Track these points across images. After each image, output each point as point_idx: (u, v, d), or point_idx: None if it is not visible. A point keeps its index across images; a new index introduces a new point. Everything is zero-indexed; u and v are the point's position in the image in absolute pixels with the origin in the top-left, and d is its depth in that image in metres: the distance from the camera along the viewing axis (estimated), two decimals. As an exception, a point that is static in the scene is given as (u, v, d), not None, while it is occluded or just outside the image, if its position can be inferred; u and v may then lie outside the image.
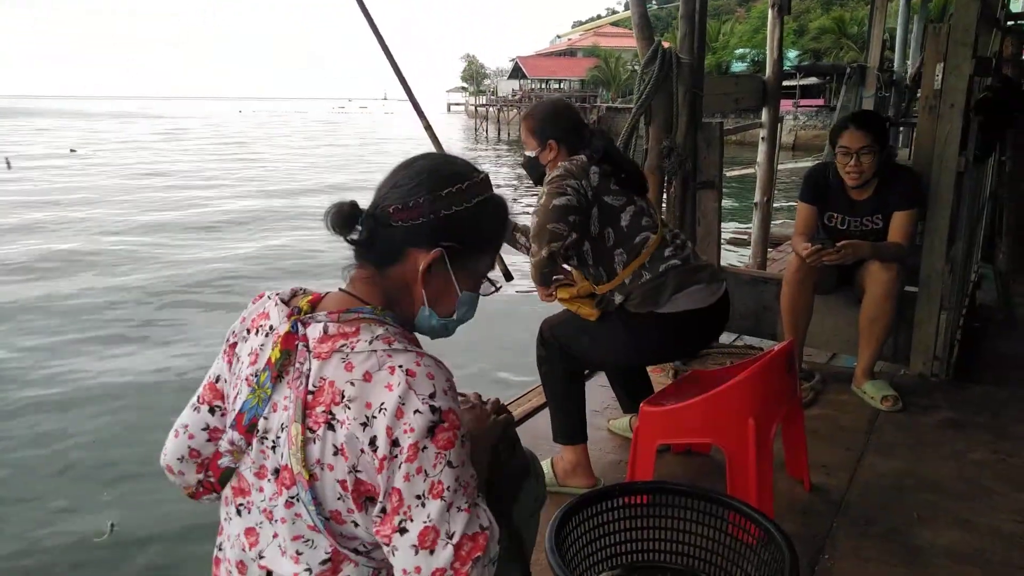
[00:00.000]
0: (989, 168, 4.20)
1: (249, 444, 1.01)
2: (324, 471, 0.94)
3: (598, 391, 2.89)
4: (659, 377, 3.20)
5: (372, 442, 0.92)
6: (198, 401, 1.11)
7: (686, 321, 2.13)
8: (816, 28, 39.15)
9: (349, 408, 0.92)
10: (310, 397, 0.95)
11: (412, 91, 2.60)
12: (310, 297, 1.08)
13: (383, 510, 0.92)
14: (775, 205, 5.47)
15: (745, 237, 7.23)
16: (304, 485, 0.93)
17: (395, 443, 0.91)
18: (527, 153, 2.30)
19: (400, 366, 0.94)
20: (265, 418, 0.99)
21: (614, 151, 2.24)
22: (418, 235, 1.04)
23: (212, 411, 1.10)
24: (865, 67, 6.57)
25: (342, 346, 0.97)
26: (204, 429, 1.09)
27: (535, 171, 2.30)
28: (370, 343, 0.96)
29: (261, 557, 1.02)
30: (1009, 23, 5.84)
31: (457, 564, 0.90)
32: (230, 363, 1.09)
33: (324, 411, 0.94)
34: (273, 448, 0.99)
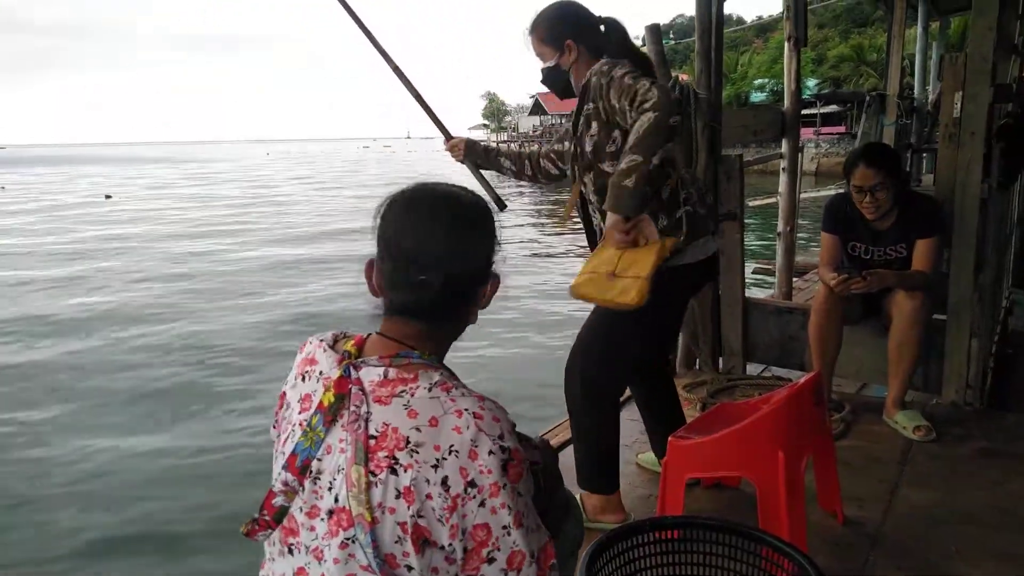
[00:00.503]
0: (1015, 193, 4.17)
1: (301, 485, 1.03)
2: (385, 514, 0.96)
3: (626, 424, 2.88)
4: (688, 410, 3.19)
5: (444, 482, 0.96)
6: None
7: (690, 274, 2.07)
8: (835, 56, 39.29)
9: (417, 452, 0.96)
10: (372, 441, 0.98)
11: (439, 119, 2.37)
12: (353, 341, 1.10)
13: (465, 549, 0.98)
14: (799, 234, 5.46)
15: (769, 267, 7.20)
16: (365, 527, 0.96)
17: (471, 484, 0.97)
18: (545, 65, 2.13)
19: (466, 410, 1.00)
20: (319, 459, 1.02)
21: (638, 52, 2.09)
22: (481, 278, 1.12)
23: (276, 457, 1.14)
24: (885, 95, 6.58)
25: (402, 392, 1.00)
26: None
27: (559, 82, 2.13)
28: (430, 390, 1.01)
29: None
30: (1029, 48, 5.82)
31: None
32: (276, 413, 1.14)
33: (387, 456, 0.97)
34: (329, 489, 1.01)
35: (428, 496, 0.96)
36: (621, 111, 1.90)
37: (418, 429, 0.97)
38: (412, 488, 0.95)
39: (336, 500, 0.99)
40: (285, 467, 1.03)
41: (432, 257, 1.05)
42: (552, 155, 2.40)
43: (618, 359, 2.16)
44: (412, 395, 1.00)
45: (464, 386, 1.05)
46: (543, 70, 2.14)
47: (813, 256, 6.96)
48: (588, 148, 2.07)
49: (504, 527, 0.99)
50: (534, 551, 1.01)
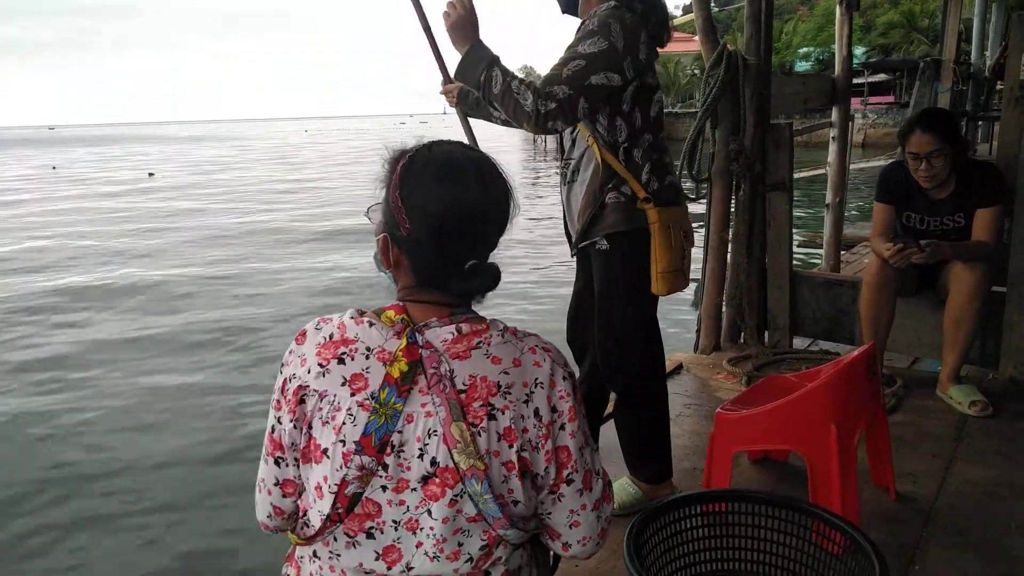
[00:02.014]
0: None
1: (381, 464, 0.99)
2: (492, 459, 1.00)
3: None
4: (732, 384, 3.15)
5: (536, 413, 1.02)
6: (266, 453, 1.09)
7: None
8: (884, 23, 37.96)
9: (509, 393, 1.00)
10: (463, 395, 0.99)
11: (443, 61, 2.25)
12: (391, 311, 1.05)
13: (547, 471, 1.04)
14: (849, 206, 5.31)
15: (817, 239, 7.04)
16: (480, 477, 0.98)
17: (554, 409, 1.04)
18: None
19: (537, 346, 1.07)
20: (399, 432, 0.99)
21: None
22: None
23: (277, 463, 1.07)
24: (940, 61, 6.33)
25: (479, 343, 1.02)
26: (276, 484, 1.08)
27: None
28: (503, 336, 1.05)
29: (409, 569, 1.02)
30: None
31: (607, 490, 1.12)
32: (293, 412, 1.03)
33: (482, 404, 0.99)
34: (419, 457, 0.98)
35: (525, 430, 1.00)
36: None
37: (506, 372, 1.01)
38: (512, 427, 0.99)
39: (434, 463, 0.98)
40: (359, 451, 0.98)
41: (482, 242, 1.07)
42: None
43: (651, 335, 2.11)
44: (489, 344, 1.02)
45: (519, 329, 1.10)
46: None
47: (860, 229, 6.78)
48: None
49: (580, 448, 1.06)
50: (599, 469, 1.11)
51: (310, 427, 1.02)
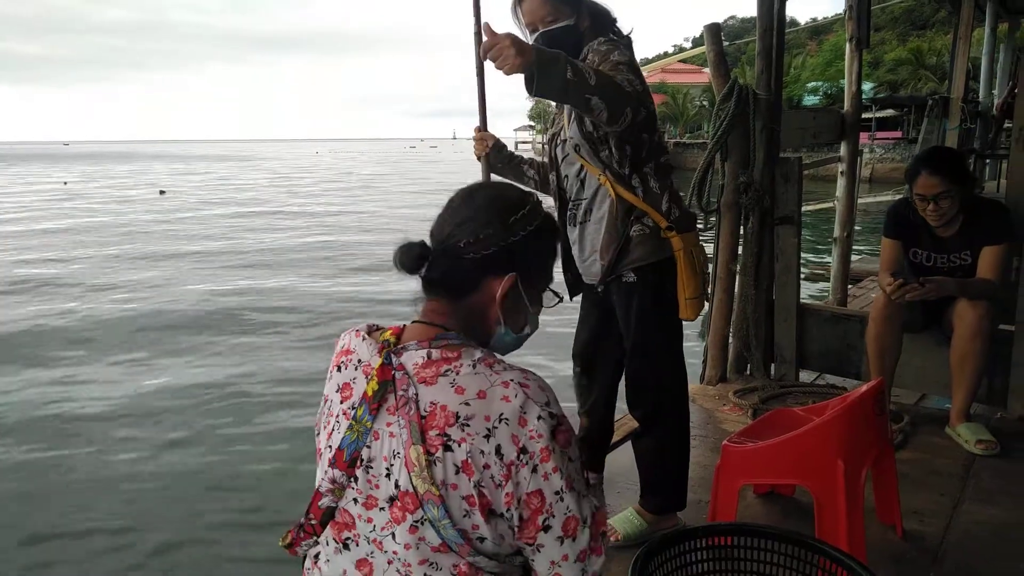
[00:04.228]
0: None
1: (352, 478, 1.03)
2: (449, 491, 0.98)
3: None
4: (738, 416, 3.14)
5: (497, 451, 0.97)
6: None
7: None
8: (892, 59, 38.28)
9: (468, 426, 0.97)
10: (424, 421, 0.99)
11: (484, 104, 2.10)
12: (390, 330, 1.12)
13: (520, 518, 0.99)
14: (856, 240, 5.32)
15: (823, 272, 7.04)
16: (436, 502, 0.97)
17: (523, 450, 0.98)
18: (560, 24, 1.93)
19: (512, 380, 1.01)
20: (368, 447, 1.02)
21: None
22: (491, 264, 1.09)
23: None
24: (948, 98, 6.38)
25: (447, 371, 1.02)
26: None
27: (567, 45, 1.90)
28: (474, 366, 1.02)
29: None
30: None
31: (593, 542, 1.04)
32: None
33: (439, 434, 0.98)
34: (387, 476, 1.01)
35: (485, 466, 0.97)
36: None
37: (467, 404, 0.98)
38: (469, 461, 0.97)
39: (397, 485, 1.00)
40: (332, 463, 1.04)
41: (440, 230, 1.11)
42: None
43: (680, 364, 2.12)
44: (457, 373, 1.01)
45: (505, 361, 1.07)
46: (552, 31, 1.92)
47: (867, 263, 6.78)
48: (572, 133, 1.98)
49: (556, 492, 1.00)
50: (586, 517, 1.03)
51: (318, 432, 1.13)
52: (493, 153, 2.14)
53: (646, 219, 1.96)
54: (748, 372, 3.61)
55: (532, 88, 1.65)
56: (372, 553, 1.04)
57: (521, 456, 0.97)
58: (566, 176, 2.10)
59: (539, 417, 0.99)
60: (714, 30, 3.27)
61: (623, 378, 2.18)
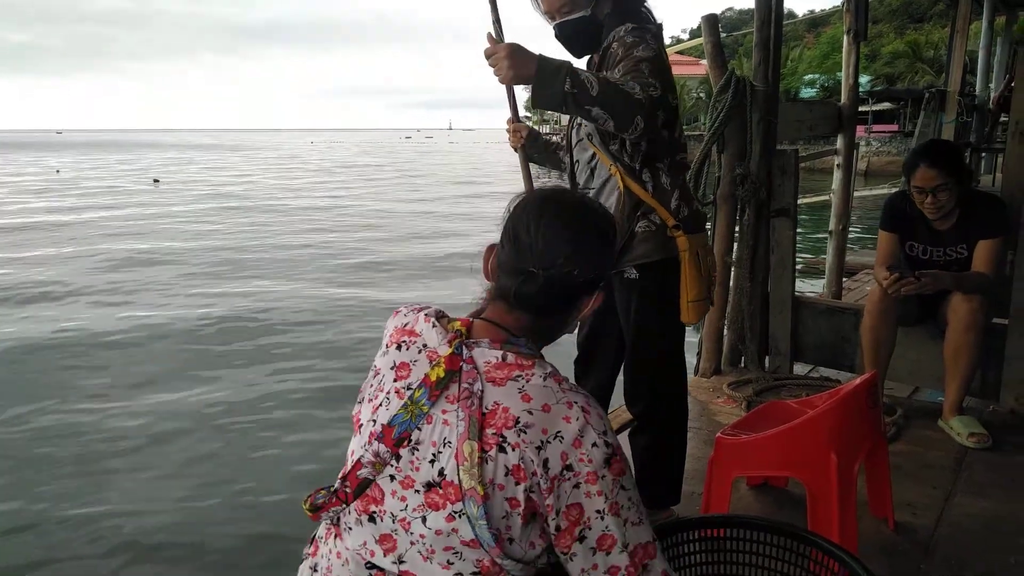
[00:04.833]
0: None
1: (395, 455, 1.04)
2: (495, 491, 0.99)
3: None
4: (732, 408, 3.14)
5: (545, 464, 0.99)
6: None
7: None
8: (889, 52, 38.26)
9: (525, 433, 0.99)
10: (484, 418, 1.01)
11: (514, 97, 2.07)
12: (460, 321, 1.13)
13: (558, 527, 1.01)
14: (850, 233, 5.33)
15: (819, 266, 7.05)
16: (477, 500, 0.98)
17: (568, 467, 1.00)
18: (574, 15, 1.89)
19: (576, 403, 1.03)
20: (419, 429, 1.03)
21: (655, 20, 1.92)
22: (591, 287, 1.14)
23: None
24: (945, 91, 6.38)
25: (518, 376, 1.04)
26: None
27: (586, 35, 1.89)
28: (544, 379, 1.04)
29: (402, 562, 1.05)
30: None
31: (631, 568, 1.02)
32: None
33: (495, 434, 0.99)
34: (431, 462, 1.02)
35: (534, 474, 0.99)
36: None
37: (530, 412, 1.00)
38: (521, 465, 0.98)
39: (442, 473, 1.01)
40: (380, 437, 1.04)
41: (548, 253, 1.08)
42: None
43: (680, 362, 2.12)
44: (528, 380, 1.03)
45: (570, 381, 1.09)
46: (569, 22, 1.89)
47: (862, 256, 6.79)
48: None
49: (598, 511, 1.01)
50: (628, 542, 1.02)
51: (361, 400, 1.13)
52: (529, 143, 2.13)
53: (653, 215, 1.92)
54: (743, 364, 3.61)
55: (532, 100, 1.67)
56: (396, 531, 1.05)
57: (565, 472, 0.99)
58: (577, 161, 2.08)
59: (594, 444, 1.01)
60: (711, 21, 3.26)
61: (621, 373, 2.17)
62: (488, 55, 1.68)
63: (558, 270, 1.08)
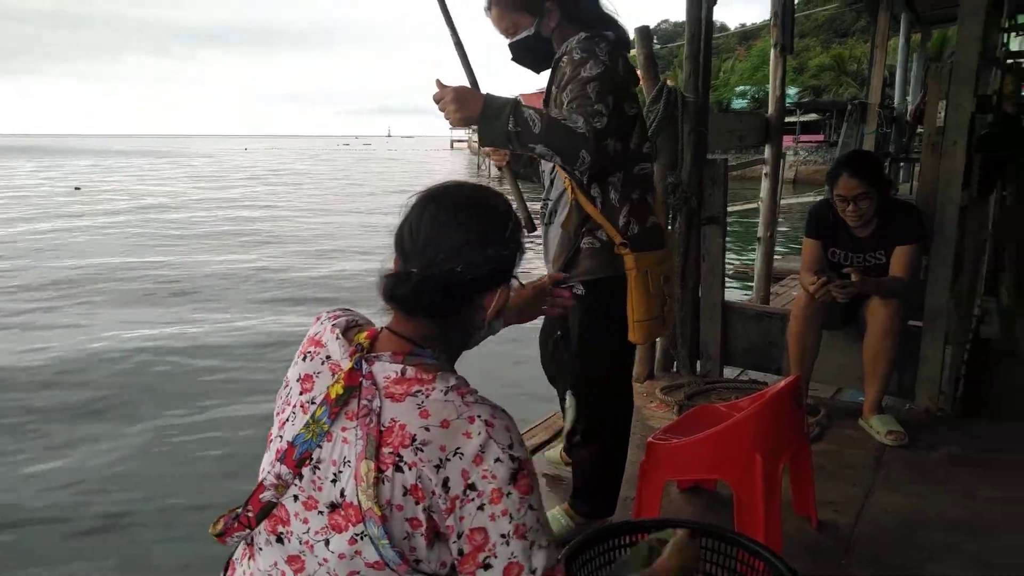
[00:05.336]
0: (991, 203, 4.23)
1: (297, 476, 1.01)
2: (393, 511, 0.96)
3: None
4: (664, 413, 3.20)
5: (444, 483, 0.95)
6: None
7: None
8: (816, 66, 39.72)
9: (422, 451, 0.95)
10: (380, 436, 0.97)
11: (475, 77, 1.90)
12: (366, 333, 1.09)
13: (460, 551, 0.97)
14: (779, 240, 5.50)
15: (748, 271, 7.25)
16: (376, 522, 0.95)
17: (471, 487, 0.95)
18: (520, 35, 1.90)
19: (479, 416, 0.98)
20: (320, 447, 1.00)
21: (614, 20, 1.92)
22: (486, 284, 1.08)
23: None
24: (866, 104, 6.65)
25: (417, 391, 0.99)
26: None
27: (538, 52, 1.91)
28: (445, 393, 1.00)
29: None
30: (1008, 61, 5.92)
31: None
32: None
33: (392, 452, 0.96)
34: (333, 481, 0.99)
35: (433, 493, 0.95)
36: (559, 104, 1.80)
37: (427, 429, 0.96)
38: (419, 485, 0.95)
39: (343, 494, 0.98)
40: (281, 459, 1.01)
41: (427, 251, 1.04)
42: None
43: (625, 380, 2.14)
44: (427, 396, 0.99)
45: (478, 392, 1.04)
46: (517, 42, 1.91)
47: (790, 262, 7.02)
48: None
49: (503, 535, 0.96)
50: (535, 569, 0.97)
51: (276, 412, 1.11)
52: (512, 159, 2.12)
53: (600, 232, 1.90)
54: (675, 369, 3.68)
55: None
56: (304, 552, 1.02)
57: (468, 492, 0.95)
58: (543, 171, 2.08)
59: (497, 459, 0.96)
60: (644, 33, 3.32)
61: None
62: (437, 100, 1.71)
63: (439, 268, 1.03)
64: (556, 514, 2.19)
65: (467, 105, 1.68)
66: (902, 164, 7.64)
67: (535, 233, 1.95)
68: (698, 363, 3.68)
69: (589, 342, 2.01)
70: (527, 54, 1.95)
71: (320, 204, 23.91)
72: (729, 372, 3.78)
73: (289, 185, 32.37)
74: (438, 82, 1.73)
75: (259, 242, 15.16)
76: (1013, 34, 6.83)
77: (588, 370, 2.05)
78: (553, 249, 2.02)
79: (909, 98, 8.23)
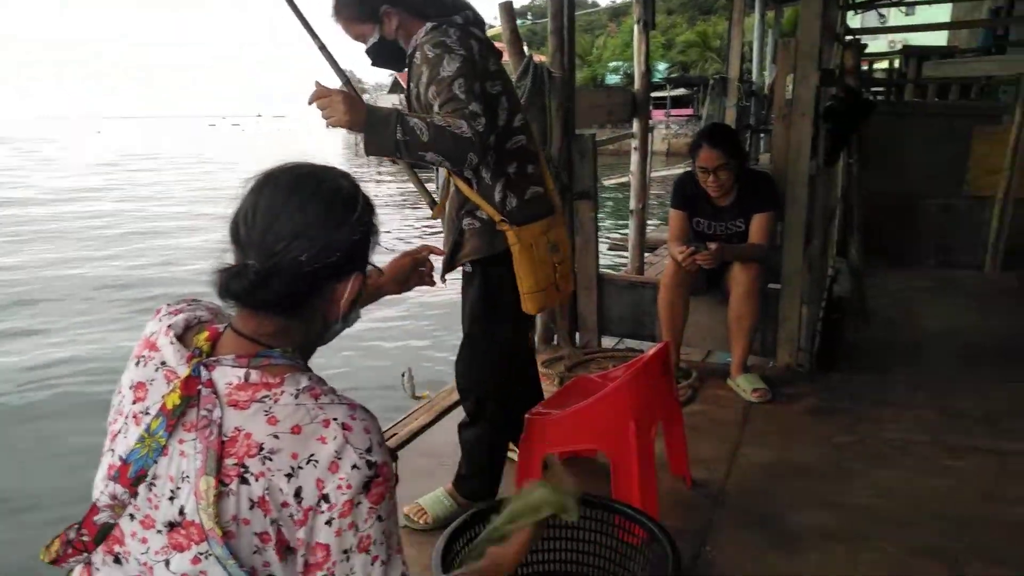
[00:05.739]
0: (839, 171, 4.53)
1: (133, 495, 0.92)
2: (240, 526, 0.89)
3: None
4: (547, 385, 3.24)
5: (297, 493, 0.89)
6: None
7: None
8: (683, 42, 41.24)
9: (270, 460, 0.88)
10: (222, 447, 0.89)
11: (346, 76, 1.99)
12: (206, 334, 0.99)
13: (306, 563, 0.91)
14: (652, 211, 5.68)
15: (623, 243, 7.47)
16: (219, 541, 0.87)
17: (325, 498, 0.90)
18: (369, 43, 1.91)
19: (335, 419, 0.92)
20: (155, 462, 0.92)
21: (466, 5, 1.91)
22: (335, 271, 0.99)
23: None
24: (727, 79, 6.95)
25: (264, 397, 0.91)
26: None
27: (391, 54, 1.92)
28: (296, 396, 0.92)
29: None
30: (848, 37, 6.33)
31: None
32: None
33: (236, 463, 0.88)
34: (170, 499, 0.91)
35: (284, 504, 0.89)
36: (428, 108, 1.80)
37: (276, 436, 0.89)
38: (267, 498, 0.88)
39: (181, 512, 0.90)
40: (115, 477, 0.92)
41: (266, 241, 0.95)
42: None
43: (507, 358, 2.11)
44: (275, 401, 0.91)
45: (334, 391, 0.97)
46: (369, 50, 1.92)
47: (663, 232, 7.28)
48: None
49: (344, 551, 0.91)
50: None
51: (109, 423, 1.00)
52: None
53: (479, 212, 1.91)
54: (555, 342, 3.74)
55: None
56: (143, 574, 0.94)
57: (321, 503, 0.89)
58: None
59: (354, 466, 0.90)
60: (507, 8, 3.30)
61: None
62: (319, 98, 1.68)
63: (279, 257, 0.93)
64: (439, 495, 2.17)
65: (356, 110, 1.67)
66: (762, 136, 8.07)
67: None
68: (577, 335, 3.76)
69: (476, 319, 2.02)
70: (381, 58, 1.95)
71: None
72: (608, 342, 3.89)
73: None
74: (318, 83, 1.70)
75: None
76: (851, 12, 7.32)
77: (475, 346, 2.06)
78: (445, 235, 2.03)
79: (767, 72, 8.68)
